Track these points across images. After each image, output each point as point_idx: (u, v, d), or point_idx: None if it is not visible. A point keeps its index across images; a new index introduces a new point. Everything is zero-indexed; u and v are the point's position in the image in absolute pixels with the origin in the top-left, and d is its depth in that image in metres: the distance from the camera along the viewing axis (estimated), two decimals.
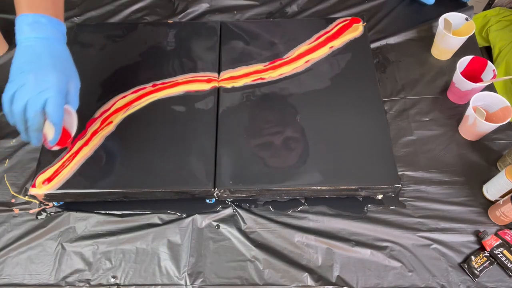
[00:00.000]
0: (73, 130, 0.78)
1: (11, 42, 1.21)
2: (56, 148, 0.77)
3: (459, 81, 1.00)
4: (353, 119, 0.93)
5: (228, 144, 0.90)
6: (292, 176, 0.86)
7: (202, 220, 0.91)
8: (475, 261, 0.83)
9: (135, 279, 0.85)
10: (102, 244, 0.89)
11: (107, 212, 0.93)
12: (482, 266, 0.83)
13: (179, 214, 0.92)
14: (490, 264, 0.83)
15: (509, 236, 0.85)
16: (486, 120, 0.92)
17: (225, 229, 0.90)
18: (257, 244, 0.88)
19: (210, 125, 0.92)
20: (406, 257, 0.86)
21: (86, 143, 0.90)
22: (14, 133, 1.04)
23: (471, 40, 1.12)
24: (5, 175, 0.98)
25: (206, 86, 0.98)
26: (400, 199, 0.93)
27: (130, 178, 0.87)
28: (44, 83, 0.69)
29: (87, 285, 0.84)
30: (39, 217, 0.92)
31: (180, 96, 0.97)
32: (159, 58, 1.04)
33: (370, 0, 1.27)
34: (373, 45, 1.17)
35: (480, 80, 1.03)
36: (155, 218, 0.92)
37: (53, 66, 0.71)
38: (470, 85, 0.98)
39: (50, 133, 0.72)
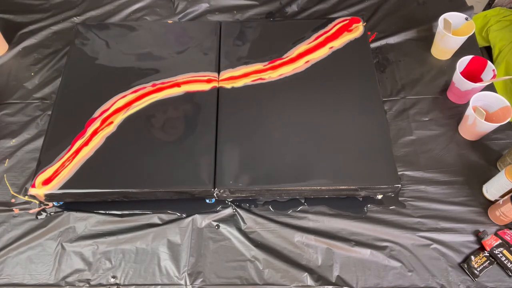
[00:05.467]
0: None
1: (11, 42, 1.21)
2: None
3: (459, 81, 1.00)
4: (353, 119, 0.93)
5: (228, 144, 0.90)
6: (292, 176, 0.86)
7: (202, 220, 0.91)
8: (475, 261, 0.83)
9: (135, 279, 0.85)
10: (102, 244, 0.89)
11: (107, 212, 0.93)
12: (482, 266, 0.83)
13: (179, 214, 0.92)
14: (490, 264, 0.83)
15: (508, 236, 0.85)
16: (486, 120, 0.92)
17: (225, 229, 0.90)
18: (257, 244, 0.88)
19: (210, 125, 0.92)
20: (406, 257, 0.86)
21: (86, 143, 0.90)
22: (14, 133, 1.04)
23: (471, 40, 1.12)
24: (5, 175, 0.98)
25: (206, 86, 0.98)
26: (400, 199, 0.93)
27: (130, 178, 0.87)
28: None
29: (87, 285, 0.84)
30: (39, 217, 0.92)
31: (180, 96, 0.97)
32: (159, 58, 1.04)
33: (370, 0, 1.27)
34: (373, 45, 1.17)
35: (480, 80, 1.03)
36: (155, 218, 0.92)
37: None
38: (470, 85, 0.98)
39: None
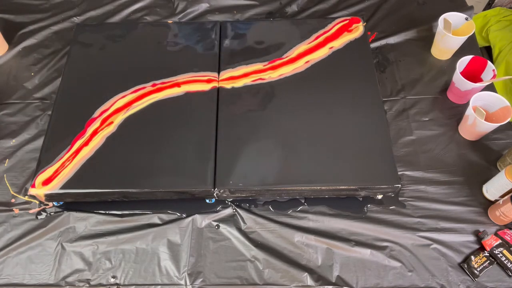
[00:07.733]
0: None
1: (11, 42, 1.21)
2: None
3: (459, 81, 1.00)
4: (353, 119, 0.93)
5: (228, 144, 0.90)
6: (292, 176, 0.86)
7: (202, 220, 0.91)
8: (474, 261, 0.83)
9: (135, 279, 0.85)
10: (102, 244, 0.89)
11: (107, 212, 0.93)
12: (482, 266, 0.83)
13: (179, 214, 0.92)
14: (490, 264, 0.83)
15: (508, 236, 0.85)
16: (486, 120, 0.92)
17: (225, 229, 0.90)
18: (257, 244, 0.88)
19: (210, 125, 0.92)
20: (406, 257, 0.86)
21: (86, 143, 0.90)
22: (14, 133, 1.04)
23: (471, 40, 1.12)
24: (5, 175, 0.98)
25: (206, 87, 0.98)
26: (400, 199, 0.93)
27: (130, 178, 0.87)
28: None
29: (87, 285, 0.84)
30: (39, 217, 0.92)
31: (180, 96, 0.97)
32: (159, 58, 1.04)
33: (370, 0, 1.27)
34: (373, 45, 1.17)
35: (480, 80, 1.03)
36: (155, 218, 0.92)
37: None
38: (470, 85, 0.98)
39: None
